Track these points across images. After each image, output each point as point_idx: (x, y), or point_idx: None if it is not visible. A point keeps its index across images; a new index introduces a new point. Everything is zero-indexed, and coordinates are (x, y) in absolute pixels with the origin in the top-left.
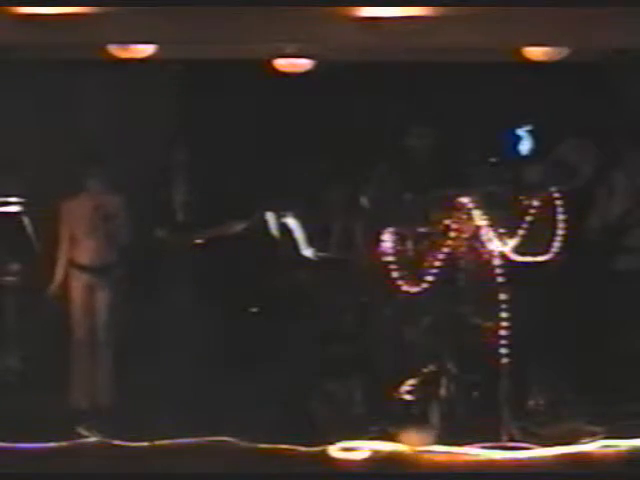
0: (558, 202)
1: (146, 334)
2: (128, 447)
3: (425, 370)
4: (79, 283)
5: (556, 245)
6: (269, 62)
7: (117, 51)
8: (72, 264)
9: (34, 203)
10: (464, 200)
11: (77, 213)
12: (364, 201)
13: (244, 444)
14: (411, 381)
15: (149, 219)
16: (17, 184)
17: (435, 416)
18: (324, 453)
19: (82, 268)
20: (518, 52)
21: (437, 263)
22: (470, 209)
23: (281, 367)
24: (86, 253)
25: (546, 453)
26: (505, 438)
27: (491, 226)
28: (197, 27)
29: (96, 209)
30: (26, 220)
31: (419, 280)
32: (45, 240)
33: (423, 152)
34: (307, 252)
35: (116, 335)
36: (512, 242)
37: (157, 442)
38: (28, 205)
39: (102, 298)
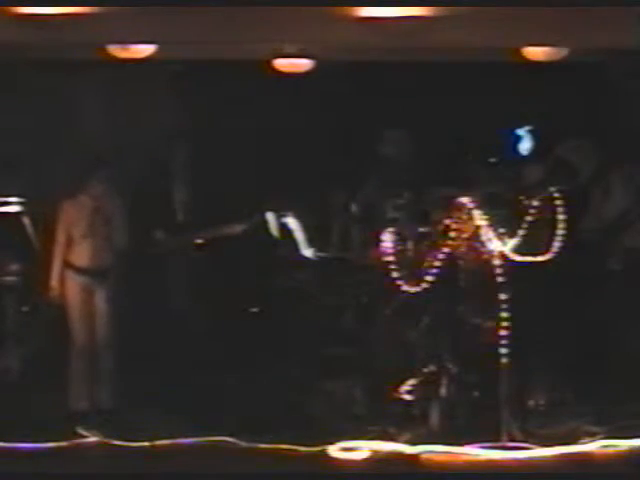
0: (558, 202)
1: (146, 335)
2: (128, 447)
3: (425, 370)
4: (76, 285)
5: (556, 245)
6: (269, 62)
7: (117, 51)
8: (69, 266)
9: (33, 204)
10: (464, 200)
11: (76, 214)
12: (364, 201)
13: (244, 444)
14: (411, 381)
15: (149, 220)
16: (17, 184)
17: (435, 416)
18: (324, 453)
19: (79, 270)
20: (518, 52)
21: (437, 263)
22: (470, 209)
23: (281, 367)
24: (84, 255)
25: (546, 453)
26: (505, 438)
27: (491, 226)
28: (197, 27)
29: (96, 211)
30: (26, 220)
31: (419, 280)
32: (43, 241)
33: (421, 152)
34: (307, 252)
35: (115, 336)
36: (512, 242)
37: (157, 442)
38: (27, 205)
39: (100, 300)
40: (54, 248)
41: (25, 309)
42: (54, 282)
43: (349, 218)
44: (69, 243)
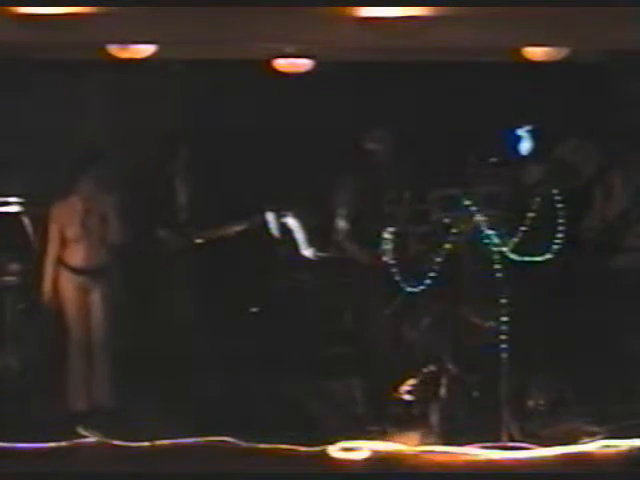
0: (558, 202)
1: (145, 334)
2: (128, 447)
3: (425, 370)
4: (72, 284)
5: (556, 245)
6: (269, 62)
7: (117, 51)
8: (64, 265)
9: (33, 203)
10: (464, 200)
11: (68, 216)
12: (364, 201)
13: (244, 444)
14: (411, 381)
15: (149, 220)
16: (16, 184)
17: (435, 416)
18: (324, 453)
19: (75, 270)
20: (518, 52)
21: (437, 263)
22: (470, 209)
23: (281, 367)
24: (79, 255)
25: (546, 453)
26: (505, 438)
27: (491, 226)
28: (197, 27)
29: (88, 211)
30: (26, 220)
31: (419, 280)
32: (39, 241)
33: (417, 151)
34: (307, 252)
35: (113, 336)
36: (512, 242)
37: (157, 442)
38: (27, 205)
39: (96, 300)
40: (48, 248)
41: (24, 309)
42: (47, 283)
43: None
44: (64, 243)
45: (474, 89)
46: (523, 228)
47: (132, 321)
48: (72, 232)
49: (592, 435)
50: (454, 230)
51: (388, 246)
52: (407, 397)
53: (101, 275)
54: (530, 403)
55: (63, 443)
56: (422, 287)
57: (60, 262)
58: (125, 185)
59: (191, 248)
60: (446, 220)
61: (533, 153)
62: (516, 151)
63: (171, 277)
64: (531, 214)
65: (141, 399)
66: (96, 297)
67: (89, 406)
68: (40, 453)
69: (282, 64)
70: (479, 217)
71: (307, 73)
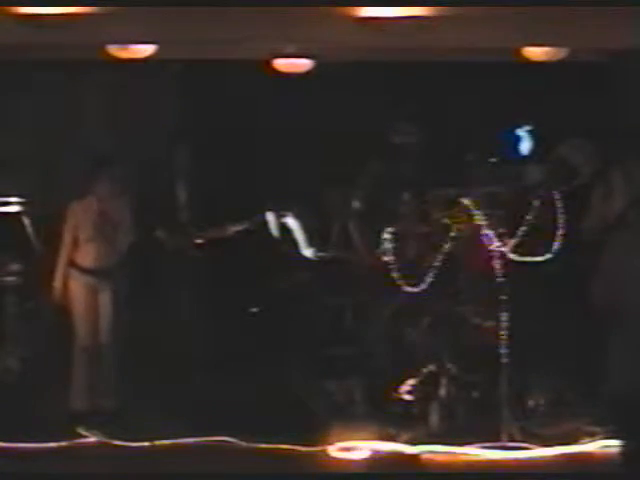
0: (558, 202)
1: (147, 335)
2: (128, 447)
3: (425, 370)
4: (81, 285)
5: (556, 245)
6: (269, 62)
7: (117, 51)
8: (75, 266)
9: (34, 204)
10: (464, 200)
11: (82, 216)
12: (362, 201)
13: (244, 444)
14: (411, 381)
15: (150, 220)
16: (18, 185)
17: (435, 416)
18: (324, 453)
19: (85, 271)
20: (518, 52)
21: (437, 263)
22: (470, 209)
23: (281, 367)
24: (90, 256)
25: (546, 453)
26: (505, 438)
27: (491, 226)
28: (197, 27)
29: (102, 212)
30: (26, 220)
31: (419, 280)
32: (48, 241)
33: (418, 151)
34: (307, 252)
35: (118, 337)
36: (512, 242)
37: (157, 442)
38: (29, 206)
39: (104, 300)
40: (59, 249)
41: (25, 308)
42: (57, 283)
43: (350, 214)
44: (75, 244)
45: (474, 89)
46: (523, 228)
47: (136, 321)
48: (85, 232)
49: (592, 435)
50: (454, 230)
51: (388, 246)
52: (407, 397)
53: (110, 276)
54: (530, 403)
55: (63, 443)
56: (422, 287)
57: (70, 262)
58: (130, 186)
59: (191, 248)
60: (446, 220)
61: (533, 153)
62: (516, 151)
63: (172, 277)
64: (531, 214)
65: (142, 399)
66: (104, 298)
67: (91, 406)
68: (40, 453)
69: (282, 64)
70: (479, 217)
71: (307, 73)
